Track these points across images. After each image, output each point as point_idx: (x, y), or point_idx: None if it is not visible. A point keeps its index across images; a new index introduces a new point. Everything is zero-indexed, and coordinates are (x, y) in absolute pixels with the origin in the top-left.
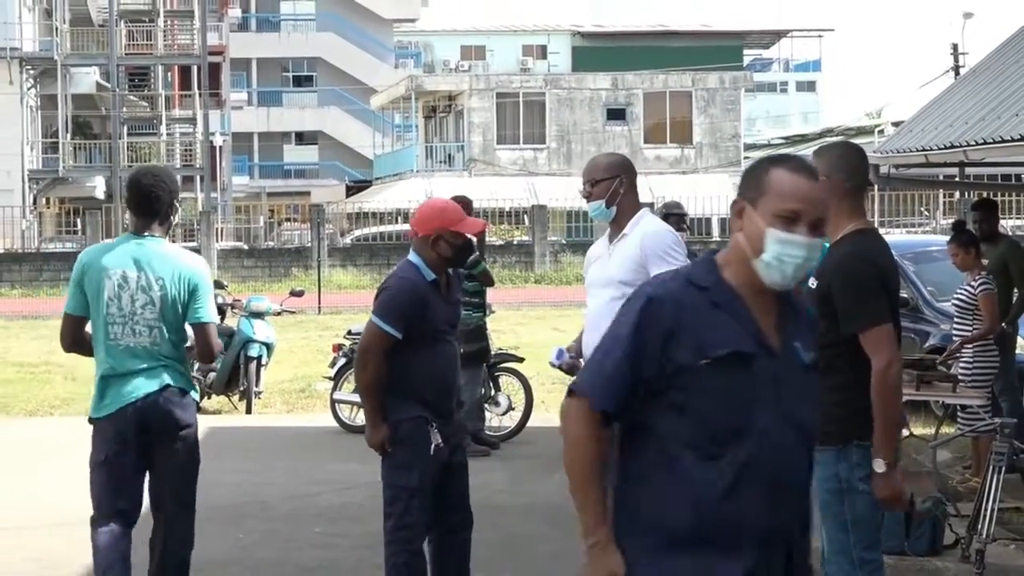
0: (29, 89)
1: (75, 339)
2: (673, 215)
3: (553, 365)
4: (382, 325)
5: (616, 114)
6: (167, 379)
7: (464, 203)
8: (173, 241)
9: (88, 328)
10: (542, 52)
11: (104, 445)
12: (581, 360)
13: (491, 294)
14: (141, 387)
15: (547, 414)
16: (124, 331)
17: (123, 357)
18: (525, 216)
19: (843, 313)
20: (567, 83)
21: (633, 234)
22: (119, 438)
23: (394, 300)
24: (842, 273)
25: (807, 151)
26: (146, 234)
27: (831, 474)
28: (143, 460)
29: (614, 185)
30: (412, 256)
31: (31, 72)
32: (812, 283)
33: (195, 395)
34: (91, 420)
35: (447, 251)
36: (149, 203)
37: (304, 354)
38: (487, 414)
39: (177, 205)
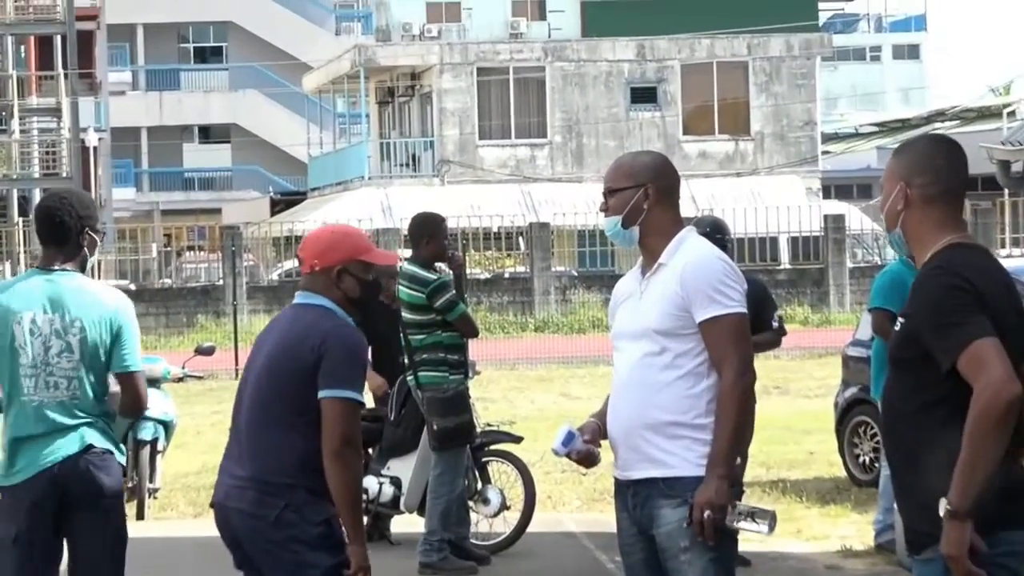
0: None
1: None
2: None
3: (558, 453)
4: (358, 398)
5: (644, 95)
6: (88, 439)
7: (432, 223)
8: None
9: None
10: (539, 11)
11: (15, 518)
12: (598, 448)
13: (474, 348)
14: (60, 449)
15: (554, 513)
16: (38, 384)
17: (38, 415)
18: (520, 238)
19: (935, 345)
20: (575, 53)
21: (672, 264)
22: (34, 510)
23: (356, 361)
24: (924, 296)
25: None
26: (55, 268)
27: None
28: (58, 541)
29: (636, 197)
30: (319, 299)
31: None
32: (899, 324)
33: (120, 458)
34: (1, 488)
35: (354, 289)
36: (51, 230)
37: (215, 435)
38: (473, 515)
39: (93, 235)
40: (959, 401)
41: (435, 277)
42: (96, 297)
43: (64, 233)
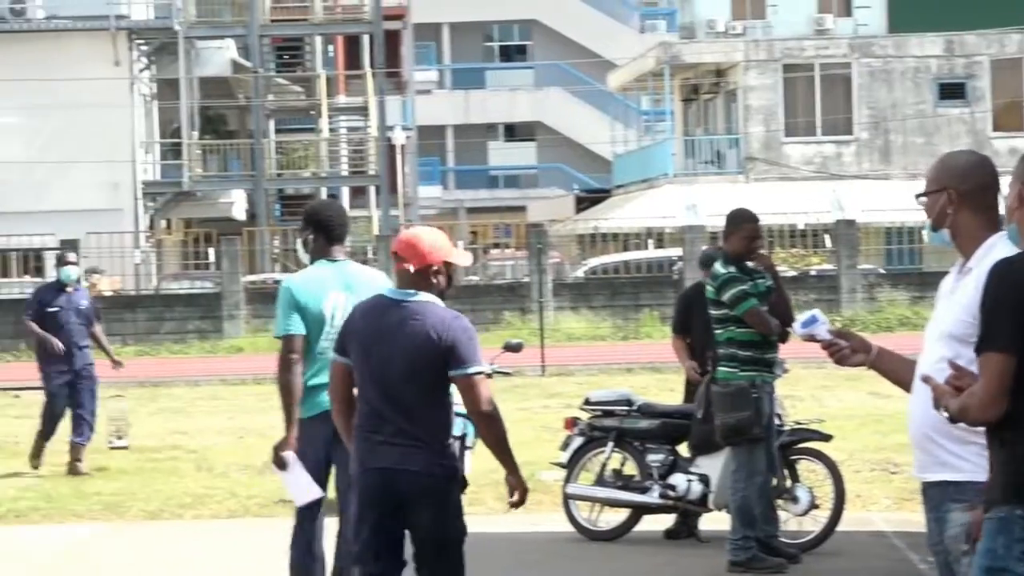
0: (142, 71)
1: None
2: None
3: (800, 333)
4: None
5: (952, 91)
6: None
7: (733, 219)
8: None
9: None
10: (845, 7)
11: (304, 440)
12: (842, 341)
13: (781, 346)
14: None
15: (864, 513)
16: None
17: None
18: (826, 236)
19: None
20: (882, 49)
21: (977, 270)
22: (315, 437)
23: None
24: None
25: None
26: (339, 258)
27: (988, 547)
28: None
29: (940, 201)
30: (427, 296)
31: (144, 49)
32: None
33: None
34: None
35: (445, 284)
36: (344, 231)
37: (524, 431)
38: (782, 514)
39: None
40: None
41: (725, 271)
42: (374, 280)
43: (345, 232)
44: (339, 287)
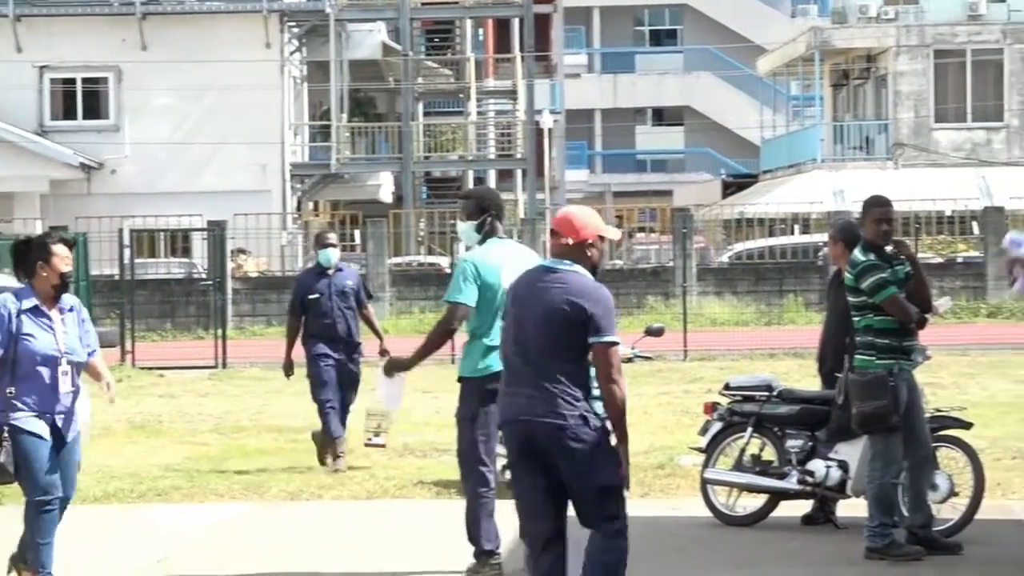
0: (292, 54)
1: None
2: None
3: (1010, 249)
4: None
5: None
6: None
7: (865, 204)
8: None
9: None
10: None
11: (473, 401)
12: None
13: (925, 332)
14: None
15: (1005, 501)
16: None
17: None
18: (974, 223)
19: None
20: None
21: None
22: (484, 396)
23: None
24: None
25: None
26: (503, 236)
27: None
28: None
29: None
30: (576, 267)
31: (294, 31)
32: None
33: None
34: (462, 379)
35: (598, 257)
36: (504, 214)
37: (663, 416)
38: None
39: None
40: None
41: (864, 259)
42: (529, 252)
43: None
44: (512, 261)
